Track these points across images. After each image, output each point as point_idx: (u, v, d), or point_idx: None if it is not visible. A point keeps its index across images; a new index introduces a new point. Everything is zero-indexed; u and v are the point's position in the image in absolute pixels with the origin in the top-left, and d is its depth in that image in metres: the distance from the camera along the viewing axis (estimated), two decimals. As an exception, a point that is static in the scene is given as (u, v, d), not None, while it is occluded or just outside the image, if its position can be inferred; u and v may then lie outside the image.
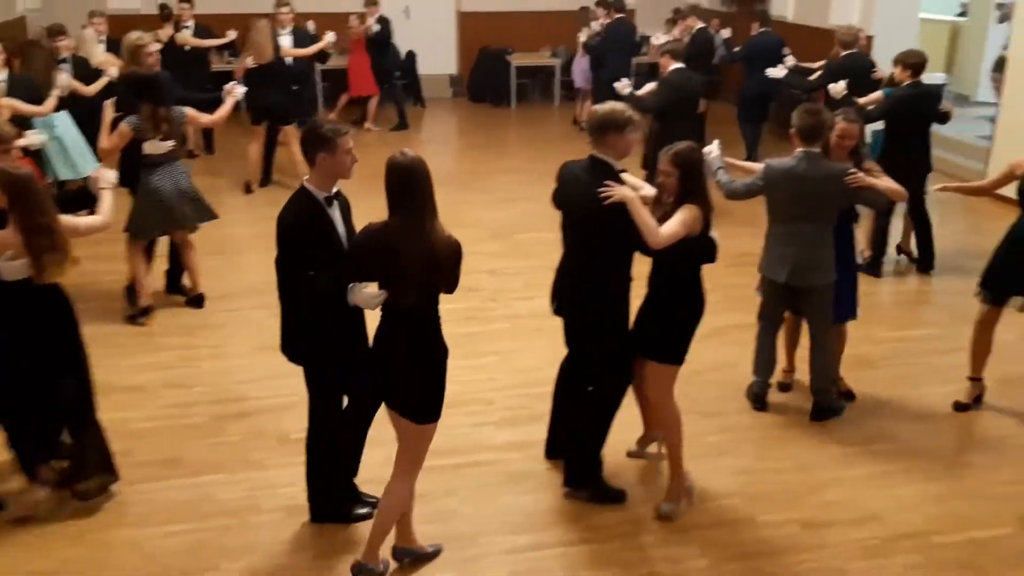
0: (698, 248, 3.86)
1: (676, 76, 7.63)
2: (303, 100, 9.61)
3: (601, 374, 4.07)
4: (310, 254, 3.51)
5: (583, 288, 3.94)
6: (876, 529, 4.02)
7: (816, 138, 4.55)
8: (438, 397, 3.50)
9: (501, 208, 8.61)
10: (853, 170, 4.54)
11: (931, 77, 10.75)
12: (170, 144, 5.90)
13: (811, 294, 4.72)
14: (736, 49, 10.20)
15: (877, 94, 7.10)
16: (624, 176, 3.89)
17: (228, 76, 8.57)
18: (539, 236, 7.75)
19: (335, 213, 3.62)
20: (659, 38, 10.12)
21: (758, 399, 5.04)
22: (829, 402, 4.92)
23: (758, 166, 4.86)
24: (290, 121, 8.88)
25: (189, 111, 6.06)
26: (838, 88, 7.03)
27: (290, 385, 5.19)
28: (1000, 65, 10.46)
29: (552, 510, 4.14)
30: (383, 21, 11.46)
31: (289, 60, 8.96)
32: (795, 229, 4.62)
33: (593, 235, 3.83)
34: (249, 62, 8.62)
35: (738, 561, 3.83)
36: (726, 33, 10.39)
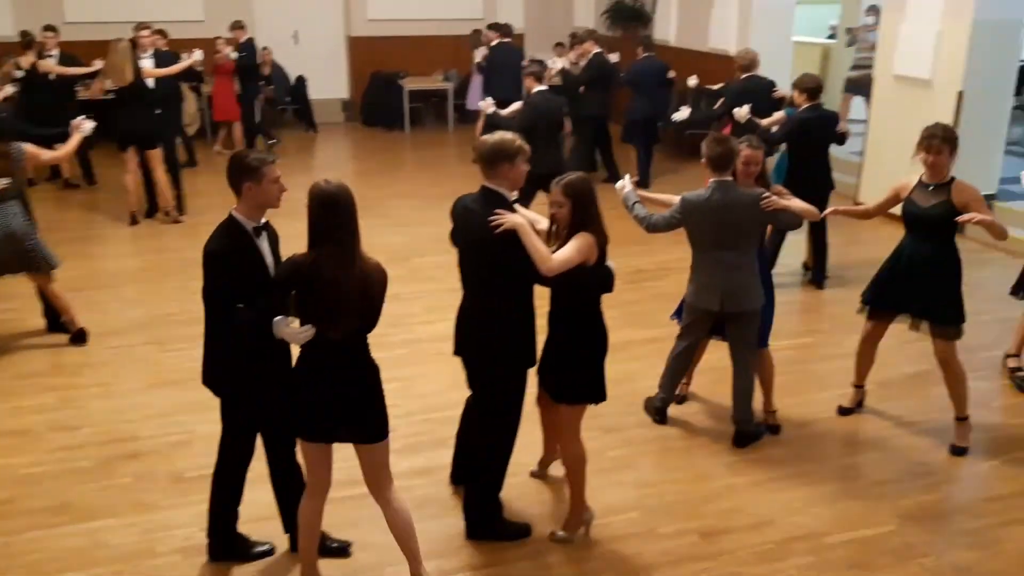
0: (595, 278, 3.88)
1: (538, 98, 7.80)
2: (168, 124, 9.32)
3: (496, 410, 4.01)
4: (237, 285, 3.45)
5: (482, 325, 3.87)
6: (770, 533, 4.17)
7: (726, 166, 4.63)
8: (385, 410, 3.53)
9: (397, 233, 8.60)
10: (766, 194, 4.65)
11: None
12: (5, 181, 5.68)
13: (740, 319, 4.79)
14: (622, 75, 10.50)
15: (780, 114, 7.42)
16: (519, 208, 3.87)
17: (95, 106, 8.30)
18: (437, 260, 7.77)
19: (263, 244, 3.56)
20: (555, 62, 10.32)
21: (660, 413, 5.15)
22: (751, 428, 4.98)
23: (674, 198, 4.87)
24: (155, 145, 8.62)
25: (29, 147, 5.85)
26: (742, 112, 7.28)
27: (182, 422, 5.07)
28: (848, 86, 11.10)
29: (458, 535, 4.14)
30: (247, 47, 11.31)
31: (151, 83, 8.70)
32: (719, 257, 4.67)
33: (488, 266, 3.80)
34: (108, 84, 8.34)
35: (641, 574, 3.91)
36: (614, 57, 10.71)
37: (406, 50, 13.74)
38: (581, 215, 3.79)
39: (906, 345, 5.79)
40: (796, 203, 4.79)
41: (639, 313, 6.53)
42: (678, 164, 11.34)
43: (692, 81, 9.38)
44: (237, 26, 11.26)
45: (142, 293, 6.99)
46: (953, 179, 4.72)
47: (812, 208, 4.85)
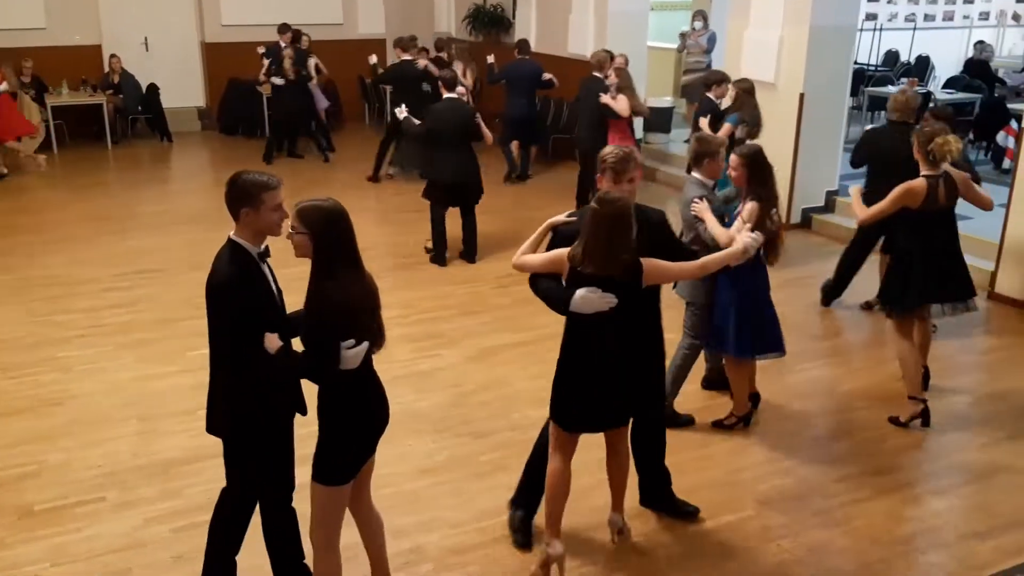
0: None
1: (443, 105, 7.86)
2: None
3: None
4: (253, 317, 3.13)
5: None
6: (641, 526, 4.27)
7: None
8: None
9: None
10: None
11: (659, 100, 11.70)
12: None
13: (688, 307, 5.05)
14: (496, 73, 10.86)
15: (727, 126, 7.32)
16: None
17: None
18: (304, 271, 7.61)
19: (266, 271, 3.30)
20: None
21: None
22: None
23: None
24: None
25: None
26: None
27: (29, 452, 4.78)
28: (683, 92, 11.60)
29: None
30: None
31: None
32: None
33: None
34: None
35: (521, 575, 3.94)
36: (491, 58, 10.94)
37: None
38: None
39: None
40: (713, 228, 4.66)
41: (507, 318, 6.58)
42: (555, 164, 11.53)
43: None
44: None
45: (-18, 317, 6.55)
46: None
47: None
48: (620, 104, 8.53)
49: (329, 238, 3.08)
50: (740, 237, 4.05)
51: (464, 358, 6.02)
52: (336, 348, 3.04)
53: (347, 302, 3.06)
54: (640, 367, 3.87)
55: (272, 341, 3.12)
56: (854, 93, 11.15)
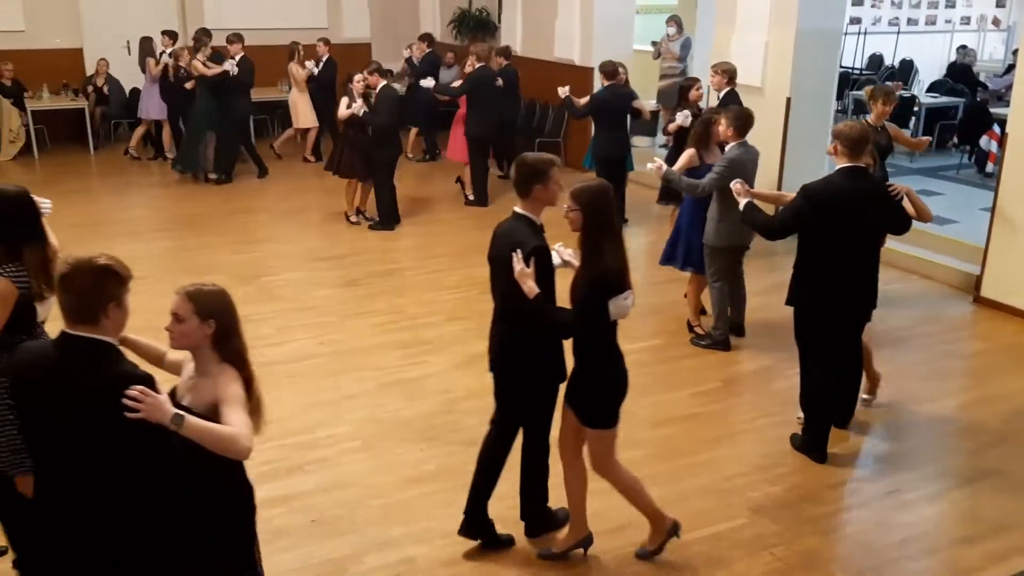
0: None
1: (386, 91, 8.75)
2: None
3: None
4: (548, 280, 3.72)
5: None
6: (632, 535, 4.23)
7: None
8: None
9: (242, 250, 8.29)
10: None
11: (648, 104, 11.69)
12: None
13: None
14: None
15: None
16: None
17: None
18: (286, 278, 7.56)
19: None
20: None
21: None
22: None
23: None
24: None
25: None
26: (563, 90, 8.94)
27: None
28: (658, 97, 11.52)
29: (315, 565, 4.01)
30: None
31: None
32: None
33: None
34: None
35: (507, 587, 3.91)
36: (564, 91, 10.42)
37: (256, 59, 13.28)
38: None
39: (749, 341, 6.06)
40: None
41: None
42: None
43: (563, 91, 9.30)
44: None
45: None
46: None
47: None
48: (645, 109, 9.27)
49: (597, 212, 3.61)
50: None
51: (452, 365, 5.99)
52: (605, 305, 3.58)
53: (618, 264, 3.60)
54: None
55: (533, 287, 3.57)
56: (840, 96, 11.21)
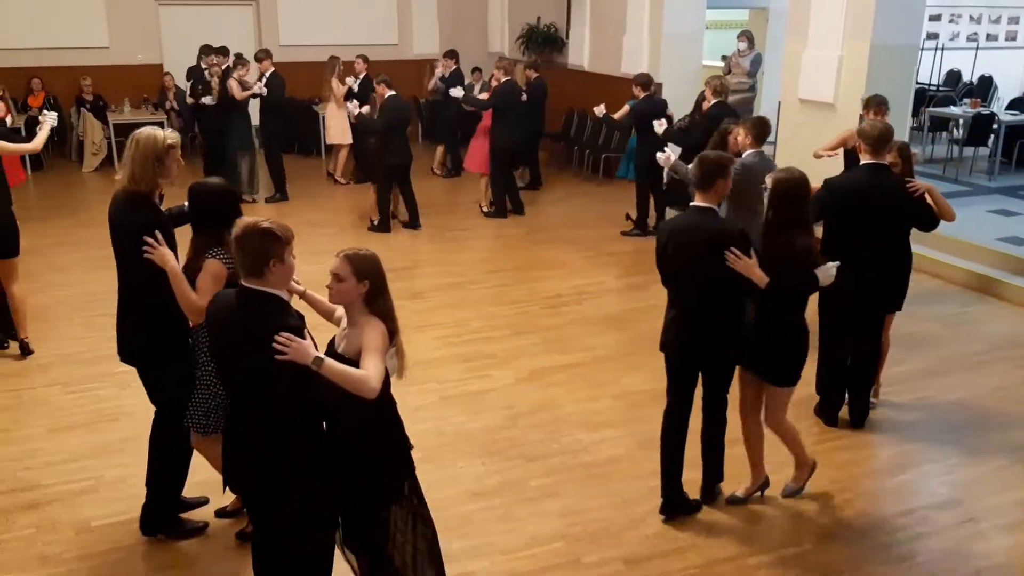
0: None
1: (392, 101, 9.17)
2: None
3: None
4: None
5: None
6: (693, 558, 4.18)
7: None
8: None
9: (315, 261, 8.41)
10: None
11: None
12: None
13: None
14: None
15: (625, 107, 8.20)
16: None
17: None
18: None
19: None
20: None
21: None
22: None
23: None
24: None
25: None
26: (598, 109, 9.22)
27: (87, 468, 4.84)
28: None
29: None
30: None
31: None
32: None
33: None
34: None
35: (567, 605, 3.88)
36: (600, 109, 10.54)
37: (321, 75, 13.56)
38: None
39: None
40: None
41: (557, 339, 6.52)
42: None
43: (599, 110, 9.44)
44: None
45: (42, 330, 6.67)
46: None
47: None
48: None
49: (790, 204, 4.17)
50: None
51: (515, 379, 5.98)
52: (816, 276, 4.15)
53: (809, 244, 4.18)
54: None
55: (762, 276, 4.10)
56: (915, 114, 10.93)
